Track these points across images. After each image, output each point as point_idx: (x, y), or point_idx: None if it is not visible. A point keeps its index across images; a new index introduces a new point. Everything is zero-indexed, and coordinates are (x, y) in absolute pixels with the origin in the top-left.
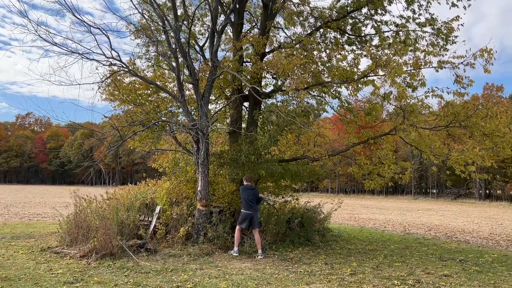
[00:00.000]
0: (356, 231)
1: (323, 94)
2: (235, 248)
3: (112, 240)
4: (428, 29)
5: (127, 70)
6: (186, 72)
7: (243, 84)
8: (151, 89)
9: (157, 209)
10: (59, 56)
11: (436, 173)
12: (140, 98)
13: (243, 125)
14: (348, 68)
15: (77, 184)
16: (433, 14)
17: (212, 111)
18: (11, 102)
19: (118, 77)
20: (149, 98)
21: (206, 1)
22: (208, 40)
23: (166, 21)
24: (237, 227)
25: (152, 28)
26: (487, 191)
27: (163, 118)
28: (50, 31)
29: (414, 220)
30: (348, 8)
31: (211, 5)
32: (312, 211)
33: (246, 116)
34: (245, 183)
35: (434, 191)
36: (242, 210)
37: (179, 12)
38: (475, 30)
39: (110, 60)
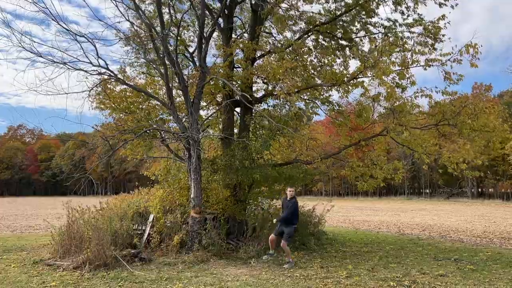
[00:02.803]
0: (351, 233)
1: (314, 99)
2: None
3: (106, 251)
4: (416, 29)
5: (115, 78)
6: (176, 78)
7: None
8: (142, 96)
9: (151, 217)
10: (45, 66)
11: (428, 173)
12: (131, 106)
13: (235, 130)
14: (337, 71)
15: (70, 194)
16: (421, 14)
17: (203, 117)
18: None
19: (109, 86)
20: (141, 106)
21: (193, 8)
22: (196, 46)
23: (153, 29)
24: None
25: (141, 35)
26: (480, 190)
27: (154, 126)
28: (34, 41)
29: (408, 221)
30: (337, 11)
31: (197, 12)
32: (306, 215)
33: (238, 121)
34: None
35: (427, 191)
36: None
37: (167, 18)
38: (462, 29)
39: (98, 69)
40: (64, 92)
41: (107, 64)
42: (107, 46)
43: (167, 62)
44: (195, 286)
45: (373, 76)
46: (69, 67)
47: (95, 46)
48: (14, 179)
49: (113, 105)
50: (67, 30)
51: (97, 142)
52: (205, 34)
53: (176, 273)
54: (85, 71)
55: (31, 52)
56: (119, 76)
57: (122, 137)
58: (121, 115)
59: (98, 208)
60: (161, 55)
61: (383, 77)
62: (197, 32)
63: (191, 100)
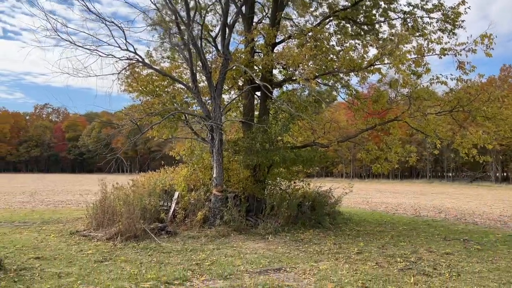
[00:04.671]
0: (367, 214)
1: (333, 82)
2: None
3: (136, 224)
4: (435, 15)
5: (142, 63)
6: (200, 63)
7: (254, 74)
8: (167, 80)
9: (176, 194)
10: (75, 49)
11: (451, 157)
12: (157, 89)
13: (256, 113)
14: (355, 57)
15: (96, 172)
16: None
17: (225, 100)
18: (26, 92)
19: (136, 69)
20: (166, 89)
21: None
22: (220, 33)
23: (178, 16)
24: None
25: (167, 19)
26: (504, 174)
27: (179, 109)
28: (68, 26)
29: (426, 203)
30: None
31: (222, 1)
32: (323, 195)
33: (258, 105)
34: None
35: (450, 174)
36: None
37: (192, 4)
38: (491, 8)
39: (126, 54)
40: (94, 74)
41: (135, 49)
42: (135, 33)
43: (191, 47)
44: (217, 256)
45: (390, 64)
46: (100, 54)
47: (123, 31)
48: (43, 157)
49: (140, 88)
50: (99, 17)
51: (126, 124)
52: (229, 21)
53: (200, 245)
54: (116, 57)
55: (65, 40)
56: (146, 60)
57: (149, 119)
58: (148, 98)
59: (131, 185)
60: (186, 41)
61: (400, 65)
62: (217, 15)
63: (214, 86)
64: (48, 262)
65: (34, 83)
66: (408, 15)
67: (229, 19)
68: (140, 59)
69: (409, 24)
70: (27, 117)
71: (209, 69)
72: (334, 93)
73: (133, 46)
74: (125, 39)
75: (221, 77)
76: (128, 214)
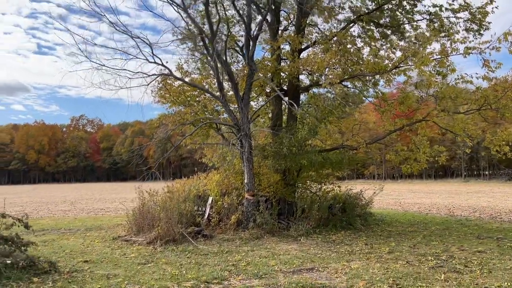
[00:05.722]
0: (399, 215)
1: (361, 85)
2: None
3: (174, 228)
4: (461, 15)
5: (170, 75)
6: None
7: (281, 81)
8: (198, 90)
9: (210, 199)
10: (106, 70)
11: (488, 154)
12: (189, 99)
13: (284, 117)
14: (380, 60)
15: (129, 180)
16: None
17: (254, 107)
18: (61, 104)
19: (168, 81)
20: (197, 99)
21: (239, 15)
22: (244, 45)
23: (203, 32)
24: None
25: (195, 33)
26: None
27: (211, 118)
28: (96, 43)
29: (460, 203)
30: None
31: (243, 15)
32: (353, 197)
33: (286, 109)
34: None
35: (486, 173)
36: None
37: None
38: None
39: (156, 69)
40: (126, 87)
41: (162, 62)
42: (164, 47)
43: (217, 59)
44: (252, 258)
45: (413, 66)
46: (132, 75)
47: (151, 46)
48: (79, 167)
49: (173, 99)
50: (128, 35)
51: (160, 136)
52: (253, 32)
53: (235, 247)
54: (144, 72)
55: (95, 62)
56: (177, 72)
57: (182, 128)
58: (180, 107)
59: (166, 191)
60: (211, 54)
61: (422, 67)
62: (243, 25)
63: (241, 96)
64: (96, 265)
65: (68, 95)
66: (433, 16)
67: (254, 28)
68: (168, 72)
69: (435, 25)
70: (64, 129)
71: (235, 80)
72: (361, 95)
73: (160, 59)
74: (152, 53)
75: (247, 88)
76: (167, 219)
